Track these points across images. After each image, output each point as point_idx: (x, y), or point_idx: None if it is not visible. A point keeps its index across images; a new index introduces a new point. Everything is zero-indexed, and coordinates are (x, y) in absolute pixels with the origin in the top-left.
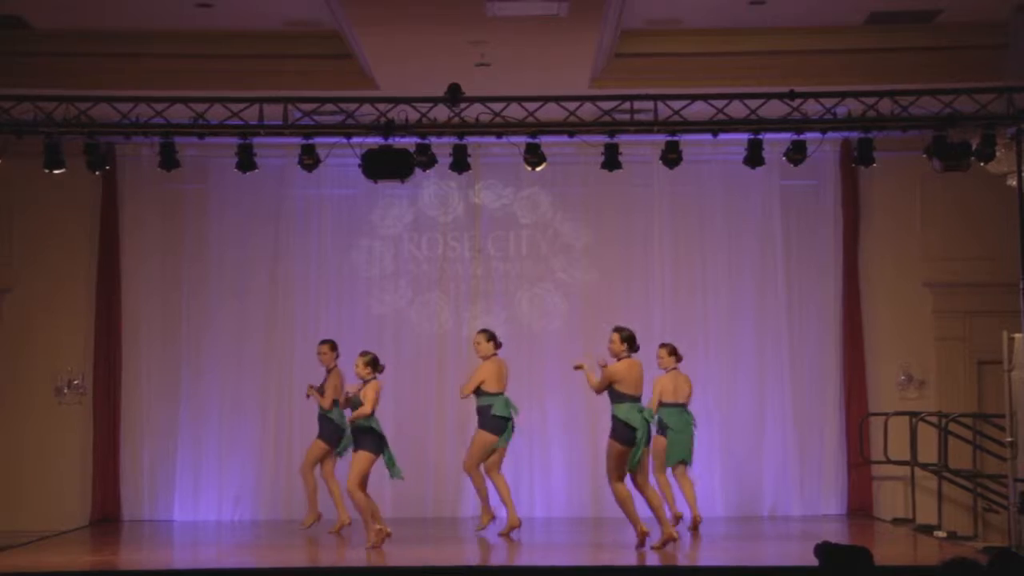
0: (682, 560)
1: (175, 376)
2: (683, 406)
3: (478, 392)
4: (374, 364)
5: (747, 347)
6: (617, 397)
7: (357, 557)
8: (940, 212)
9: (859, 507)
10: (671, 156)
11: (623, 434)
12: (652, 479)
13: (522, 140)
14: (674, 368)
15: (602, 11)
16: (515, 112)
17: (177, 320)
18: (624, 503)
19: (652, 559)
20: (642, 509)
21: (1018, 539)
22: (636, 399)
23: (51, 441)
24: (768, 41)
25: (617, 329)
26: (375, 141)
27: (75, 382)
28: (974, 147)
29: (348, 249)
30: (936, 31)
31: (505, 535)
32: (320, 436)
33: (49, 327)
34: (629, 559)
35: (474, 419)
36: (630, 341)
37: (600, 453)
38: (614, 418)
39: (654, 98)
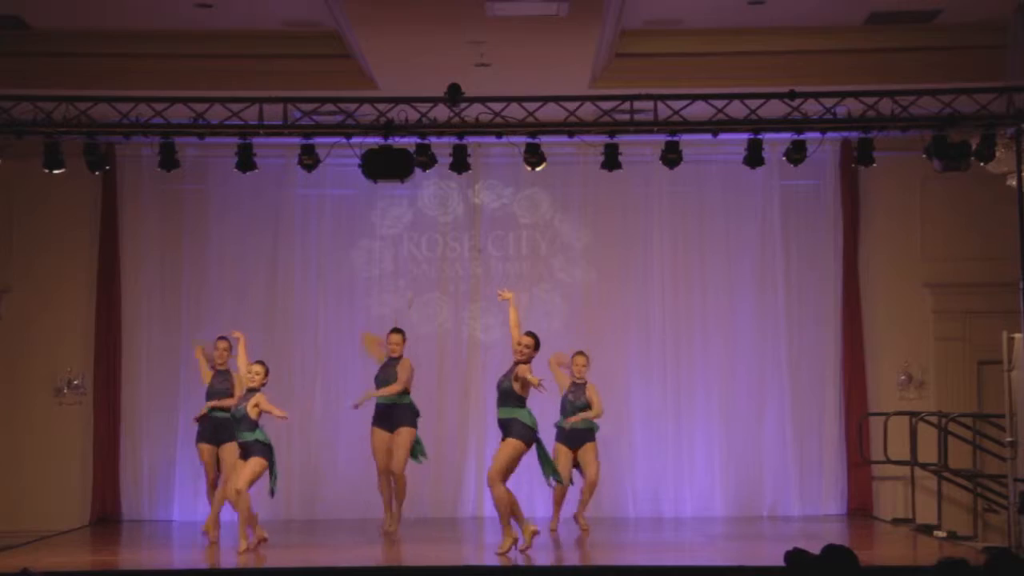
0: (682, 560)
1: (175, 376)
2: None
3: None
4: None
5: (746, 347)
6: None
7: (357, 557)
8: (940, 212)
9: (859, 507)
10: (671, 156)
11: (527, 435)
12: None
13: (522, 140)
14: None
15: (602, 11)
16: (515, 112)
17: (177, 320)
18: (509, 504)
19: (651, 559)
20: None
21: (1018, 539)
22: None
23: (51, 441)
24: (768, 41)
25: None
26: (375, 141)
27: (75, 382)
28: (974, 147)
29: (348, 249)
30: (936, 31)
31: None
32: None
33: (49, 327)
34: (628, 559)
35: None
36: None
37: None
38: (517, 421)
39: (654, 98)
